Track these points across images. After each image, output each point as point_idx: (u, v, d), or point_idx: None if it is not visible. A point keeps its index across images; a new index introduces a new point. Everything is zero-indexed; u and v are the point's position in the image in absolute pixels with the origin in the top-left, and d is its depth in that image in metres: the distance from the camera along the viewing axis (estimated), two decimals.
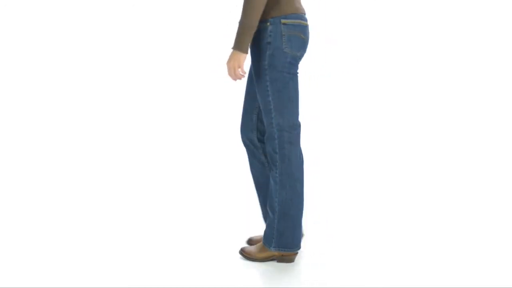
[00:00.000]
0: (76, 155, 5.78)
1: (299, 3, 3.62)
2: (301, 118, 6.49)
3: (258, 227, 4.18)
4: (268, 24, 3.53)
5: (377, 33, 6.44)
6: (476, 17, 6.37)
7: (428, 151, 5.81)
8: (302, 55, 3.66)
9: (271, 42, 3.52)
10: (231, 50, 3.57)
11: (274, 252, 3.68)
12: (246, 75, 5.35)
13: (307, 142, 6.16)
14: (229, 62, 3.49)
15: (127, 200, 4.79)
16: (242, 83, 6.46)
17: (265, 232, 3.70)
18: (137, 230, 4.22)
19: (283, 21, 3.53)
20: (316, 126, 6.45)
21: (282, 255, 3.69)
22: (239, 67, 3.45)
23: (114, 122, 6.23)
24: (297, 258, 3.75)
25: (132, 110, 6.30)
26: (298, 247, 3.64)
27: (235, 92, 6.58)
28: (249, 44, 3.47)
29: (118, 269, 3.62)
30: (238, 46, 3.44)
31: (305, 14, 3.65)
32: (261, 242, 3.74)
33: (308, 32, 3.67)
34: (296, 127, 3.57)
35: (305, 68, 6.83)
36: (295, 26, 3.54)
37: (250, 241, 3.91)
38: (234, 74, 3.44)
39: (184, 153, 5.86)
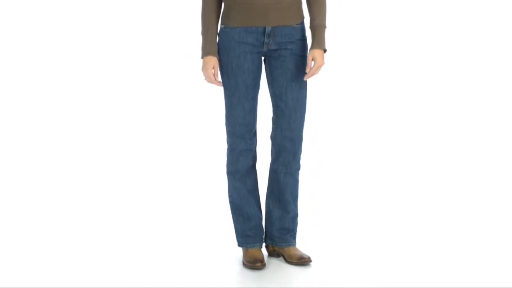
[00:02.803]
0: (74, 155, 5.78)
1: None
2: None
3: None
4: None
5: (377, 29, 6.44)
6: (479, 14, 6.38)
7: (428, 151, 5.81)
8: None
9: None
10: (320, 51, 3.52)
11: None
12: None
13: (307, 142, 6.16)
14: (322, 62, 3.52)
15: (126, 201, 4.80)
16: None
17: (295, 231, 3.71)
18: (136, 230, 4.23)
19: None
20: (314, 124, 6.45)
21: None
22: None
23: (113, 123, 6.23)
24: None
25: (131, 110, 6.31)
26: None
27: None
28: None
29: (116, 269, 3.63)
30: (324, 46, 3.55)
31: None
32: (294, 246, 3.72)
33: None
34: None
35: None
36: None
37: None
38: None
39: (182, 153, 5.86)
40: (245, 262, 3.65)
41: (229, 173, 3.66)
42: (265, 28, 3.49)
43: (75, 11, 6.32)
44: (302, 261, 3.64)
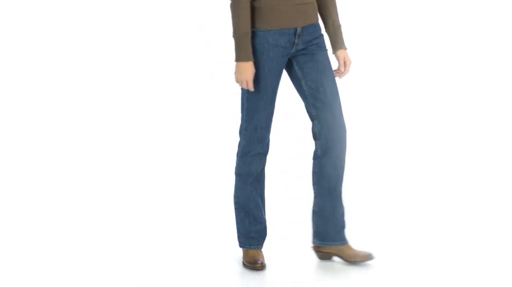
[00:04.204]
0: (75, 156, 5.78)
1: None
2: (301, 116, 6.49)
3: None
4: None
5: (375, 31, 6.44)
6: (476, 17, 6.37)
7: (427, 151, 5.81)
8: None
9: None
10: (345, 50, 3.63)
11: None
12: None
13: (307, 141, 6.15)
14: (348, 60, 3.62)
15: (126, 201, 4.79)
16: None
17: (344, 228, 3.65)
18: (136, 231, 4.22)
19: None
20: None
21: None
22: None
23: (113, 123, 6.23)
24: (294, 259, 3.74)
25: (132, 111, 6.30)
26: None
27: (234, 93, 6.57)
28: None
29: (116, 269, 3.62)
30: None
31: None
32: (348, 244, 3.66)
33: None
34: None
35: None
36: None
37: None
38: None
39: (181, 154, 5.86)
40: (245, 263, 3.64)
41: (239, 175, 3.62)
42: (296, 29, 3.49)
43: (75, 11, 6.32)
44: (370, 258, 3.60)
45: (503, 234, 4.07)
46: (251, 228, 3.65)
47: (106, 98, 6.30)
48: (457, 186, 5.01)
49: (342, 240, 3.63)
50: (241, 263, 3.68)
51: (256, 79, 3.48)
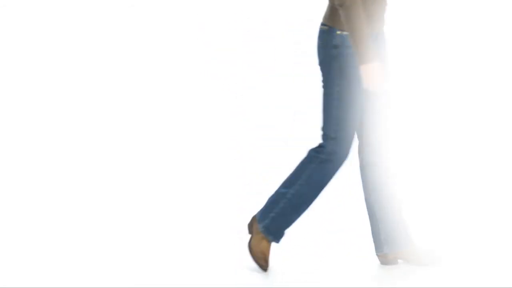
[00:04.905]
0: (75, 156, 5.79)
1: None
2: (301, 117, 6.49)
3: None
4: None
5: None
6: (476, 17, 6.37)
7: (428, 152, 5.81)
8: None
9: None
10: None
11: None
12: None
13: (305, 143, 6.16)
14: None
15: (126, 201, 4.79)
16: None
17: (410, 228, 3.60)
18: (136, 231, 4.22)
19: None
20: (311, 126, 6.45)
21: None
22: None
23: (112, 122, 6.23)
24: (292, 259, 3.74)
25: (131, 110, 6.31)
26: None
27: (231, 94, 6.58)
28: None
29: (116, 269, 3.62)
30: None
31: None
32: (415, 245, 3.60)
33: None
34: None
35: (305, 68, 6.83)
36: None
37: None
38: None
39: (183, 153, 5.86)
40: (254, 255, 3.50)
41: (322, 179, 3.45)
42: (376, 34, 3.38)
43: (74, 11, 6.32)
44: (438, 258, 3.60)
45: (505, 233, 4.08)
46: (287, 226, 3.50)
47: (106, 98, 6.30)
48: (460, 186, 5.01)
49: (411, 242, 3.57)
50: (241, 262, 3.66)
51: (351, 86, 3.33)
